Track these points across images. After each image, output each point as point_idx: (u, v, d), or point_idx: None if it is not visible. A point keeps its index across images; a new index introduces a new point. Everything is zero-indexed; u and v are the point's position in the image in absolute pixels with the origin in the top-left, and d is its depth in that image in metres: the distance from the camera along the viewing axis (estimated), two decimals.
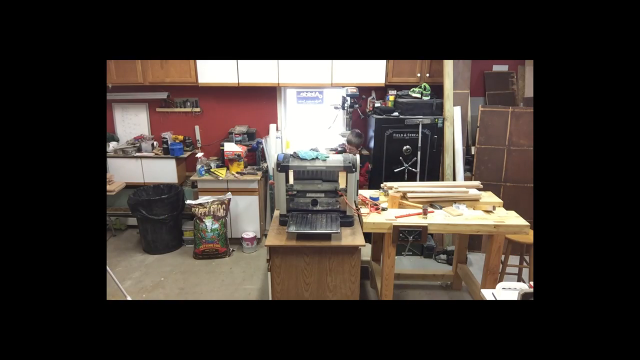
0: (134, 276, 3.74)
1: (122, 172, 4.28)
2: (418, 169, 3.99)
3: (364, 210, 2.78)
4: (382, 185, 3.18)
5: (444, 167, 4.02)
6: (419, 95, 3.94)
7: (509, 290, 1.89)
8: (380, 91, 4.30)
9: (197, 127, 4.59)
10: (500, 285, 1.94)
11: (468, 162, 4.14)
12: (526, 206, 3.84)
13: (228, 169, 4.12)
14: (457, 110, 3.98)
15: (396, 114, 3.93)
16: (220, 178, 4.04)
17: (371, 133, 4.16)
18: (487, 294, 1.90)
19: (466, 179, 4.04)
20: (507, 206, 2.99)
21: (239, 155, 4.07)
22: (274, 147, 4.38)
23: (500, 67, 4.30)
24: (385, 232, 2.65)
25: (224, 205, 3.97)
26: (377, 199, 2.91)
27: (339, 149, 4.29)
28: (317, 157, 2.63)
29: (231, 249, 4.19)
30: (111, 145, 4.36)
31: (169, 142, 4.29)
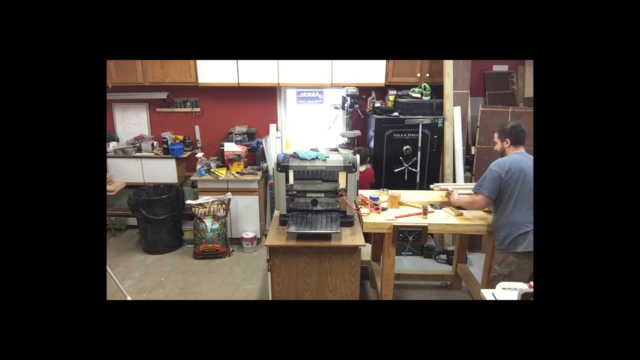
0: (134, 276, 3.74)
1: (122, 172, 4.27)
2: (418, 169, 3.99)
3: (364, 210, 2.78)
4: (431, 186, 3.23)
5: (444, 167, 4.02)
6: (419, 95, 3.94)
7: (509, 290, 1.89)
8: (380, 91, 4.30)
9: (197, 127, 4.59)
10: (500, 285, 1.94)
11: (468, 162, 4.14)
12: None
13: (228, 169, 4.12)
14: (457, 110, 3.98)
15: (396, 114, 3.93)
16: (220, 178, 4.03)
17: (371, 133, 4.16)
18: (487, 294, 1.90)
19: (466, 179, 4.04)
20: None
21: (239, 155, 4.07)
22: (274, 147, 4.38)
23: (500, 67, 4.30)
24: (385, 232, 2.65)
25: (224, 205, 3.97)
26: (377, 199, 2.91)
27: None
28: (317, 157, 2.63)
29: (231, 249, 4.19)
30: (111, 145, 4.36)
31: (169, 142, 4.29)
